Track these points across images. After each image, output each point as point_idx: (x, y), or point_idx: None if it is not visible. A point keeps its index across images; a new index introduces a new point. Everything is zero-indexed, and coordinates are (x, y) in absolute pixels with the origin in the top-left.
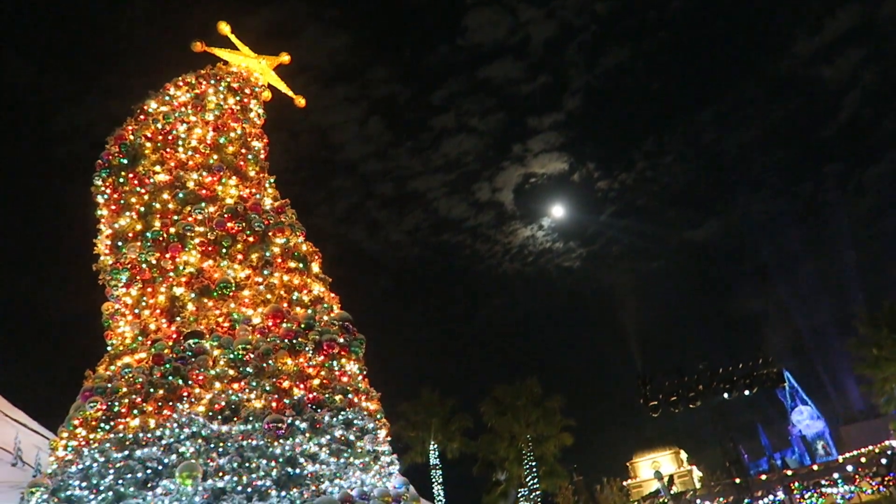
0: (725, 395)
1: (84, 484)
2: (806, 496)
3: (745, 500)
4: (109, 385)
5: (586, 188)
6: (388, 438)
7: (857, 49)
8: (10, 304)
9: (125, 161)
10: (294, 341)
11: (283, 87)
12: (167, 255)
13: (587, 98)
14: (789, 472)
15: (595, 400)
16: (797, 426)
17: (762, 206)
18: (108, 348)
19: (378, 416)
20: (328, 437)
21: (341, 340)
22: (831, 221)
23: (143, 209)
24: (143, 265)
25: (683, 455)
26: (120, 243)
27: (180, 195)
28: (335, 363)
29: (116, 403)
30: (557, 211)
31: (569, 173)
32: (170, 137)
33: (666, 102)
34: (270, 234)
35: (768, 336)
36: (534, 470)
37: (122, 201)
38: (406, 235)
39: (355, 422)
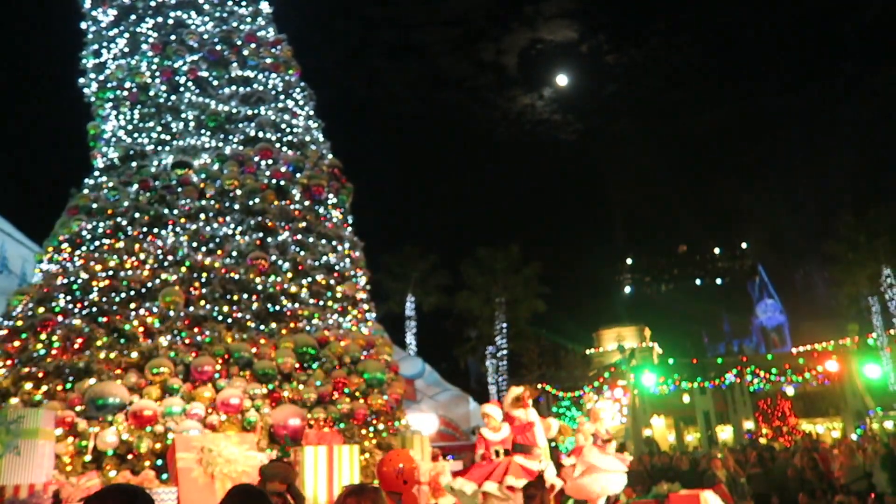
0: (697, 282)
1: (69, 297)
2: (755, 381)
3: (698, 378)
4: (95, 205)
5: (593, 61)
6: (368, 286)
7: None
8: None
9: None
10: (282, 182)
11: None
12: (156, 80)
13: None
14: (744, 359)
15: (572, 272)
16: (760, 317)
17: (768, 98)
18: (95, 170)
19: (360, 264)
20: (309, 279)
21: (329, 186)
22: (834, 123)
23: (132, 28)
24: (132, 88)
25: (647, 332)
26: (108, 62)
27: (170, 15)
28: (321, 208)
29: (101, 224)
30: (561, 80)
31: (578, 42)
32: None
33: None
34: (265, 68)
35: (749, 230)
36: (504, 331)
37: (111, 16)
38: (404, 88)
39: (336, 267)
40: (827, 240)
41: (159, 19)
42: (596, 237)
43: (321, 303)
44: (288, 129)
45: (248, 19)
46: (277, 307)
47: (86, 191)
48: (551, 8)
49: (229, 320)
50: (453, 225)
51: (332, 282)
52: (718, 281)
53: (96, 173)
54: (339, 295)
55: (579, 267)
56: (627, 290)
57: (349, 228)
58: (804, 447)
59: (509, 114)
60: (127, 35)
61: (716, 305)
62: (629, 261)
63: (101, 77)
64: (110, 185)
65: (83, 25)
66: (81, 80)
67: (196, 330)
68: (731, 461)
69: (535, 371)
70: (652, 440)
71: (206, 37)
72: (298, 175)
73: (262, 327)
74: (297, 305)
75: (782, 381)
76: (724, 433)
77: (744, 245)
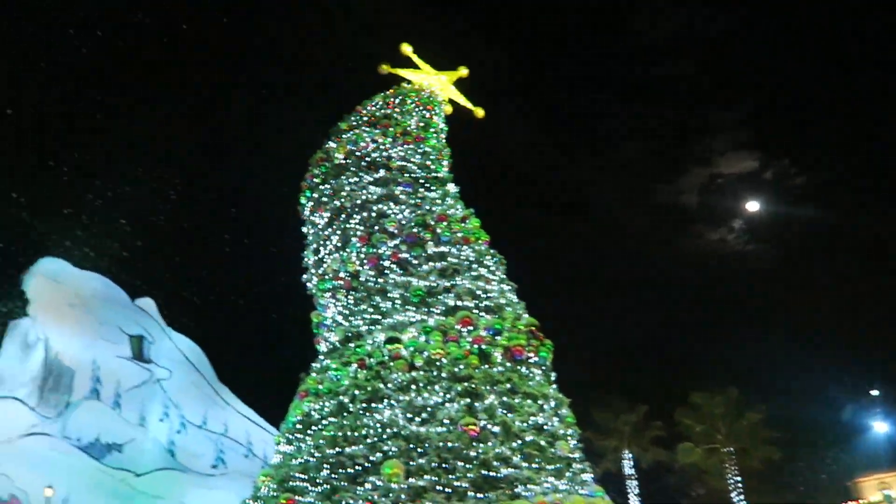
0: None
1: (304, 476)
2: None
3: None
4: (321, 387)
5: (781, 186)
6: (580, 445)
7: None
8: (234, 310)
9: (324, 182)
10: (483, 347)
11: (462, 101)
12: (364, 267)
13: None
14: None
15: (808, 412)
16: None
17: None
18: (319, 354)
19: (568, 422)
20: (520, 441)
21: (528, 345)
22: None
23: (343, 225)
24: (346, 276)
25: None
26: (324, 257)
27: (373, 210)
28: (523, 368)
29: (327, 404)
30: (752, 206)
31: (760, 171)
32: (361, 155)
33: None
34: (457, 242)
35: None
36: (739, 485)
37: (325, 218)
38: (584, 243)
39: (546, 427)
40: None
41: (364, 214)
42: (829, 367)
43: (534, 465)
44: (484, 296)
45: (438, 201)
46: (493, 473)
47: (313, 374)
48: (722, 144)
49: (448, 490)
50: (660, 372)
51: (542, 443)
52: None
53: (321, 357)
54: (551, 456)
55: (816, 405)
56: (884, 428)
57: (553, 386)
58: None
59: (697, 252)
60: (339, 232)
61: None
62: (875, 392)
63: (320, 271)
64: (333, 366)
65: (304, 229)
66: (304, 276)
67: (417, 502)
68: None
69: None
70: None
71: (403, 222)
72: (498, 338)
73: (479, 495)
74: (511, 470)
75: None
76: None
77: None
